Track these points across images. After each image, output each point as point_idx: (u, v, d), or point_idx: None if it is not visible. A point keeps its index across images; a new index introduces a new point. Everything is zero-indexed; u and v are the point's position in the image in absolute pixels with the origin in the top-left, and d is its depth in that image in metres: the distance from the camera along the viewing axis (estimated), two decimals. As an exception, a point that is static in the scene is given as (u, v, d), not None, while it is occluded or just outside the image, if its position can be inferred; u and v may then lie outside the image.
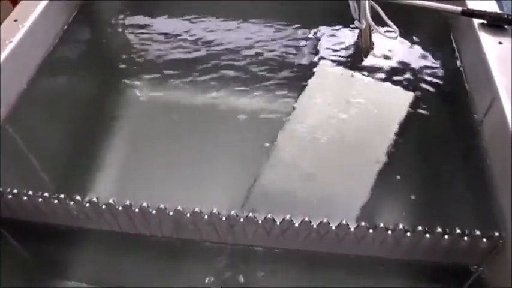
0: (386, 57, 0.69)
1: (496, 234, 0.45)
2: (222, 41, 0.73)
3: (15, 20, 0.63)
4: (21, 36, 0.62)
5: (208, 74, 0.69)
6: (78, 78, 0.69)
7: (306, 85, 0.66)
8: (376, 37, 0.70)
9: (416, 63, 0.68)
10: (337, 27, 0.74)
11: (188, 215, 0.48)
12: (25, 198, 0.50)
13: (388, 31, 0.67)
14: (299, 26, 0.75)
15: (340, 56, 0.70)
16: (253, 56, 0.71)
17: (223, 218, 0.47)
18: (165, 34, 0.75)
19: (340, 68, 0.69)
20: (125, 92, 0.67)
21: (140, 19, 0.78)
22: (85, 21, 0.75)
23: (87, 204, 0.49)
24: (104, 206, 0.49)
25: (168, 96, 0.66)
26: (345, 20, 0.71)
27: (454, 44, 0.68)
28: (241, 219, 0.47)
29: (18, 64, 0.61)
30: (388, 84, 0.66)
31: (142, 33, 0.75)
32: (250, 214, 0.47)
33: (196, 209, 0.47)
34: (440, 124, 0.62)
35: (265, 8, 0.77)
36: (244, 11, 0.77)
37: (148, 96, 0.66)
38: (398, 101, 0.64)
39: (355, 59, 0.70)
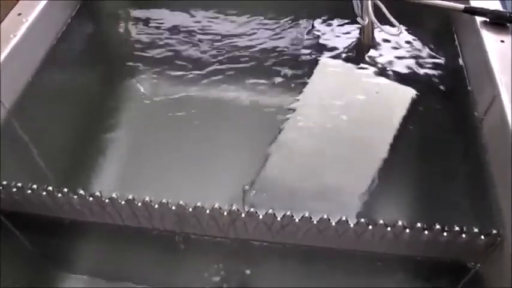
0: (388, 54, 0.69)
1: (494, 231, 0.46)
2: (225, 37, 0.74)
3: (19, 14, 0.64)
4: (25, 30, 0.62)
5: (211, 70, 0.69)
6: (82, 72, 0.70)
7: (308, 81, 0.67)
8: (378, 34, 0.71)
9: (418, 60, 0.68)
10: (339, 23, 0.74)
11: (190, 209, 0.48)
12: (29, 191, 0.50)
13: (390, 28, 0.67)
14: (301, 22, 0.75)
15: (342, 53, 0.70)
16: (256, 51, 0.71)
17: (225, 213, 0.48)
18: (168, 29, 0.75)
19: (342, 64, 0.69)
20: (128, 86, 0.68)
21: (144, 13, 0.78)
22: (88, 15, 0.75)
23: (91, 198, 0.49)
24: (107, 200, 0.49)
25: (171, 91, 0.67)
26: (348, 16, 0.71)
27: (456, 42, 0.68)
28: (243, 215, 0.48)
29: (22, 57, 0.62)
30: (389, 80, 0.66)
31: (146, 27, 0.75)
32: (252, 209, 0.48)
33: (198, 204, 0.48)
34: (440, 121, 0.62)
35: (267, 4, 0.77)
36: (247, 7, 0.77)
37: (151, 91, 0.67)
38: (400, 98, 0.64)
39: (357, 56, 0.70)
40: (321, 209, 0.49)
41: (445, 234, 0.46)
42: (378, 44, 0.70)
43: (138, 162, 0.59)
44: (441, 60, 0.68)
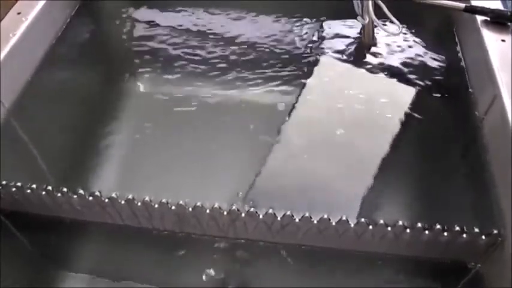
0: (389, 53, 0.69)
1: (495, 231, 0.46)
2: (224, 35, 0.73)
3: (19, 13, 0.63)
4: (25, 29, 0.62)
5: (211, 69, 0.69)
6: (81, 72, 0.70)
7: (308, 81, 0.66)
8: (378, 33, 0.70)
9: (418, 59, 0.68)
10: (339, 22, 0.74)
11: (190, 209, 0.48)
12: (29, 191, 0.50)
13: (390, 27, 0.67)
14: (301, 21, 0.75)
15: (342, 52, 0.70)
16: (256, 51, 0.71)
17: (225, 213, 0.48)
18: (168, 28, 0.75)
19: (343, 64, 0.69)
20: (127, 85, 0.68)
21: (143, 13, 0.78)
22: (88, 14, 0.75)
23: (90, 198, 0.49)
24: (106, 200, 0.49)
25: (171, 90, 0.67)
26: (348, 15, 0.71)
27: (456, 41, 0.68)
28: (243, 214, 0.48)
29: (22, 57, 0.61)
30: (389, 79, 0.66)
31: (145, 27, 0.75)
32: (252, 209, 0.48)
33: (198, 204, 0.48)
34: (441, 121, 0.62)
35: (268, 4, 0.76)
36: (247, 6, 0.77)
37: (151, 90, 0.67)
38: (400, 97, 0.64)
39: (357, 55, 0.69)
40: (321, 209, 0.49)
41: (445, 234, 0.46)
42: (379, 43, 0.70)
43: (138, 162, 0.59)
44: (442, 60, 0.68)
